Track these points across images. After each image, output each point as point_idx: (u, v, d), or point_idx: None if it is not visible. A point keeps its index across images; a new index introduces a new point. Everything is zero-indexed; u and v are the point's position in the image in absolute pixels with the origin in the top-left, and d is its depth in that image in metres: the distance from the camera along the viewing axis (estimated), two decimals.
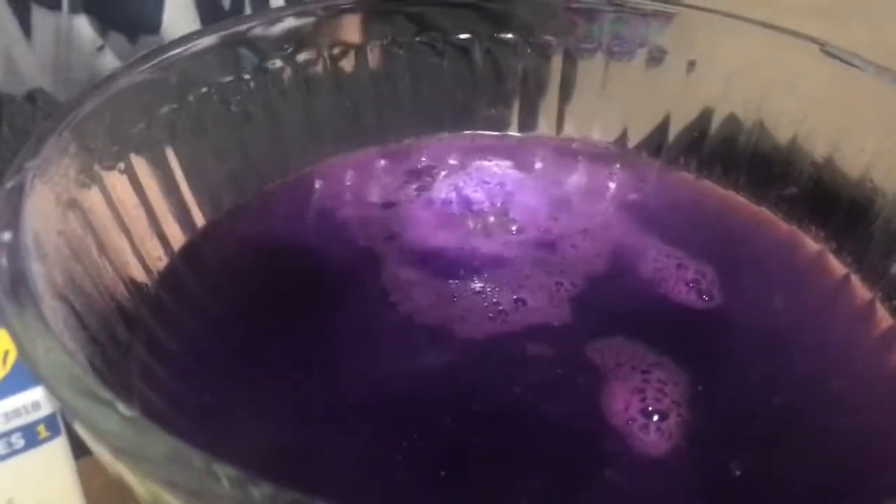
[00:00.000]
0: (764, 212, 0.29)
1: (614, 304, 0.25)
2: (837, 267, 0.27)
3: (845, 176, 0.28)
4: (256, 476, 0.12)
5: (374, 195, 0.29)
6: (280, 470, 0.13)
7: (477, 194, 0.29)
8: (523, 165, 0.31)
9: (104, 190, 0.23)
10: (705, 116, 0.31)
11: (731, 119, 0.31)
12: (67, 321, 0.18)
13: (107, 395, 0.14)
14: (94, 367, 0.18)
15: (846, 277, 0.26)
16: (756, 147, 0.30)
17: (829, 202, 0.28)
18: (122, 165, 0.24)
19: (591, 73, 0.32)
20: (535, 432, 0.21)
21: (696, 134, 0.31)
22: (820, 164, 0.28)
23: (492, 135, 0.32)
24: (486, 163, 0.31)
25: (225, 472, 0.13)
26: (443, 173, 0.30)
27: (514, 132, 0.33)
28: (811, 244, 0.28)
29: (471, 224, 0.28)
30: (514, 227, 0.28)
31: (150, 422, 0.13)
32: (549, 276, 0.26)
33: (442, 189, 0.30)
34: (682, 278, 0.26)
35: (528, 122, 0.33)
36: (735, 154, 0.30)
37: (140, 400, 0.20)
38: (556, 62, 0.32)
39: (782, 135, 0.29)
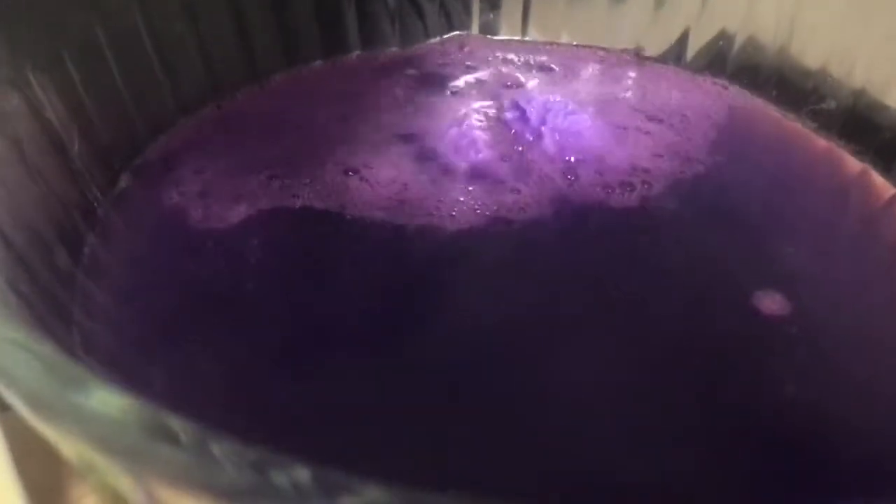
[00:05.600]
0: (798, 126, 0.26)
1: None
2: (883, 185, 0.24)
3: (885, 105, 0.25)
4: (217, 430, 0.09)
5: (362, 102, 0.26)
6: (245, 421, 0.10)
7: (481, 98, 0.26)
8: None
9: (30, 94, 0.19)
10: (725, 39, 0.27)
11: (753, 42, 0.27)
12: None
13: (14, 331, 0.10)
14: (18, 293, 0.14)
15: (893, 198, 0.23)
16: (782, 72, 0.27)
17: (871, 122, 0.25)
18: (54, 68, 0.20)
19: None
20: None
21: (721, 42, 0.28)
22: (858, 91, 0.25)
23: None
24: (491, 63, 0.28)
25: (178, 427, 0.09)
26: (436, 78, 0.27)
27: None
28: (853, 161, 0.25)
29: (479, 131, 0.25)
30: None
31: (74, 360, 0.10)
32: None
33: (444, 91, 0.26)
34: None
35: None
36: (760, 74, 0.27)
37: (82, 336, 0.16)
38: None
39: (812, 57, 0.26)
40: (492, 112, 0.26)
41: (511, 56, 0.28)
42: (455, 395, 0.17)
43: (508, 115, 0.25)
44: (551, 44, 0.29)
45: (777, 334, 0.19)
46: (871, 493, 0.16)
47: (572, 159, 0.24)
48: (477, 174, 0.23)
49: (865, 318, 0.20)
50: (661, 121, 0.26)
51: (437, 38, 0.28)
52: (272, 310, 0.19)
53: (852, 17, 0.25)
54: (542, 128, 0.25)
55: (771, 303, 0.19)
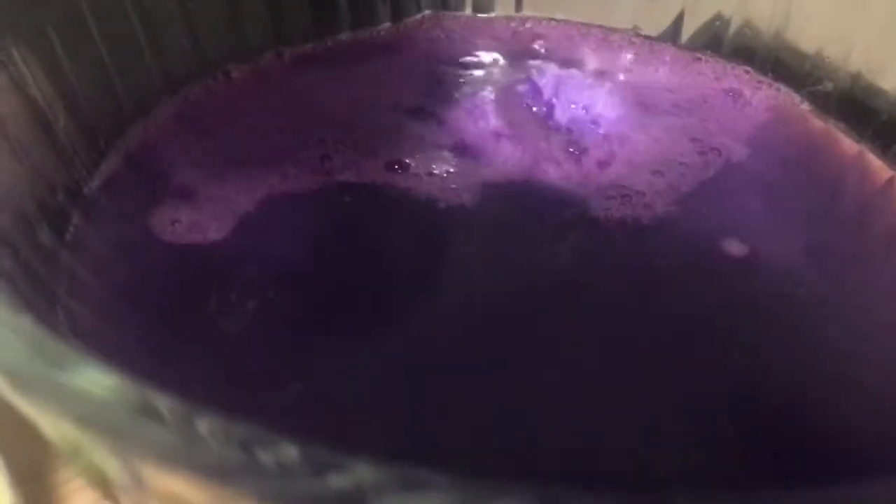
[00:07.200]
0: (796, 108, 0.26)
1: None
2: (880, 167, 0.24)
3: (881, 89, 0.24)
4: (203, 407, 0.09)
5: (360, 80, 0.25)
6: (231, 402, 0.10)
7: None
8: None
9: (13, 69, 0.18)
10: (721, 21, 0.27)
11: (749, 25, 0.27)
12: None
13: None
14: (1, 271, 0.14)
15: (890, 181, 0.23)
16: (778, 55, 0.26)
17: (868, 105, 0.25)
18: (38, 42, 0.20)
19: None
20: None
21: (717, 24, 0.27)
22: (854, 74, 0.25)
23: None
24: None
25: (163, 405, 0.09)
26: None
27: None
28: (849, 143, 0.24)
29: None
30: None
31: (56, 334, 0.10)
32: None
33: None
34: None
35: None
36: (757, 57, 0.27)
37: (66, 315, 0.16)
38: None
39: (809, 41, 0.26)
40: (490, 89, 0.26)
41: (507, 34, 0.28)
42: (447, 379, 0.17)
43: (506, 90, 0.25)
44: (547, 20, 0.29)
45: (772, 315, 0.19)
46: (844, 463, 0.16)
47: (572, 132, 0.24)
48: (481, 147, 0.23)
49: (865, 299, 0.20)
50: (656, 102, 0.25)
51: (429, 11, 0.28)
52: (265, 289, 0.19)
53: (849, 1, 0.25)
54: (536, 106, 0.25)
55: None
